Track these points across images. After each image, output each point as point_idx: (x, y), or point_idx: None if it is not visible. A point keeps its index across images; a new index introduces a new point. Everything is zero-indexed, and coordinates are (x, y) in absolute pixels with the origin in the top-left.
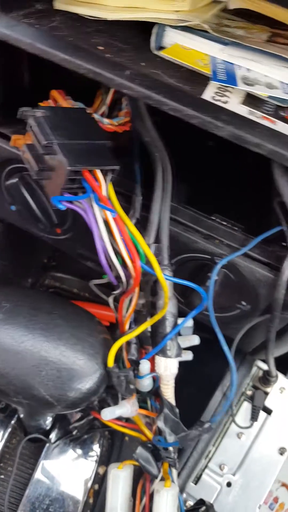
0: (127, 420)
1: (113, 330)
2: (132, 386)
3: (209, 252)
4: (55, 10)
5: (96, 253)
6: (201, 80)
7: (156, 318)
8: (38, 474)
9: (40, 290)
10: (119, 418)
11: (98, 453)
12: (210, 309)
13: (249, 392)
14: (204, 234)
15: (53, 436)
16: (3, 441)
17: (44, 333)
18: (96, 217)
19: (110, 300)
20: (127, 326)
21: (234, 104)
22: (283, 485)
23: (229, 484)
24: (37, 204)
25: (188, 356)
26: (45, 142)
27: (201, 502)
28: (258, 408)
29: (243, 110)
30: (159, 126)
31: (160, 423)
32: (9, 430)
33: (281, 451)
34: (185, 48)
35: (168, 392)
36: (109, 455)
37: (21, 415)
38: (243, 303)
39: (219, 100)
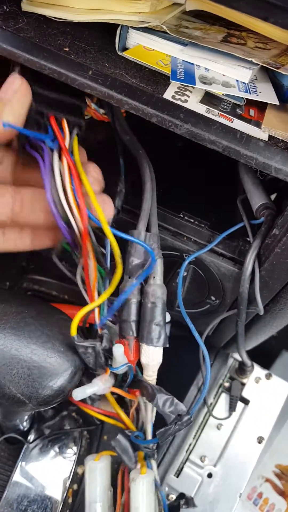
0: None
1: (91, 330)
2: (102, 360)
3: (178, 249)
4: (22, 11)
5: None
6: (163, 80)
7: (114, 282)
8: (16, 476)
9: (11, 291)
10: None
11: (76, 453)
12: (180, 302)
13: (226, 384)
14: (172, 231)
15: (31, 437)
16: None
17: (15, 332)
18: (53, 164)
19: (78, 277)
20: (95, 295)
21: (193, 102)
22: (267, 480)
23: (210, 475)
24: None
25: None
26: None
27: (181, 496)
28: (236, 398)
29: (201, 109)
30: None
31: (157, 405)
32: None
33: (259, 440)
34: (147, 49)
35: (152, 382)
36: (88, 454)
37: None
38: (212, 298)
39: (179, 99)
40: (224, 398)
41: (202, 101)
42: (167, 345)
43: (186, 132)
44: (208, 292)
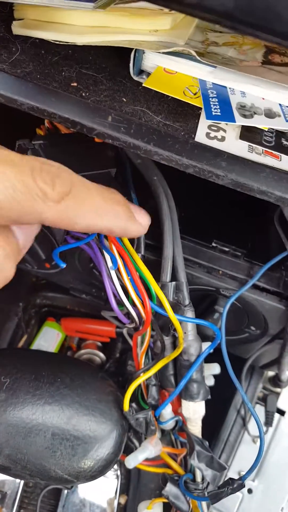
0: None
1: (114, 345)
2: (153, 427)
3: (213, 286)
4: (14, 36)
5: (91, 287)
6: (191, 110)
7: (172, 356)
8: None
9: (38, 350)
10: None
11: (118, 484)
12: (222, 345)
13: (260, 394)
14: (205, 267)
15: None
16: (21, 484)
17: (52, 408)
18: (104, 255)
19: (124, 331)
20: (142, 362)
21: (231, 140)
22: None
23: (250, 491)
24: None
25: (215, 369)
26: None
27: None
28: (272, 413)
29: (243, 147)
30: None
31: (194, 462)
32: None
33: None
34: (169, 71)
35: (196, 432)
36: (128, 482)
37: None
38: (252, 328)
39: (214, 138)
40: (258, 410)
41: (242, 137)
42: (209, 397)
43: (230, 182)
44: (247, 323)
